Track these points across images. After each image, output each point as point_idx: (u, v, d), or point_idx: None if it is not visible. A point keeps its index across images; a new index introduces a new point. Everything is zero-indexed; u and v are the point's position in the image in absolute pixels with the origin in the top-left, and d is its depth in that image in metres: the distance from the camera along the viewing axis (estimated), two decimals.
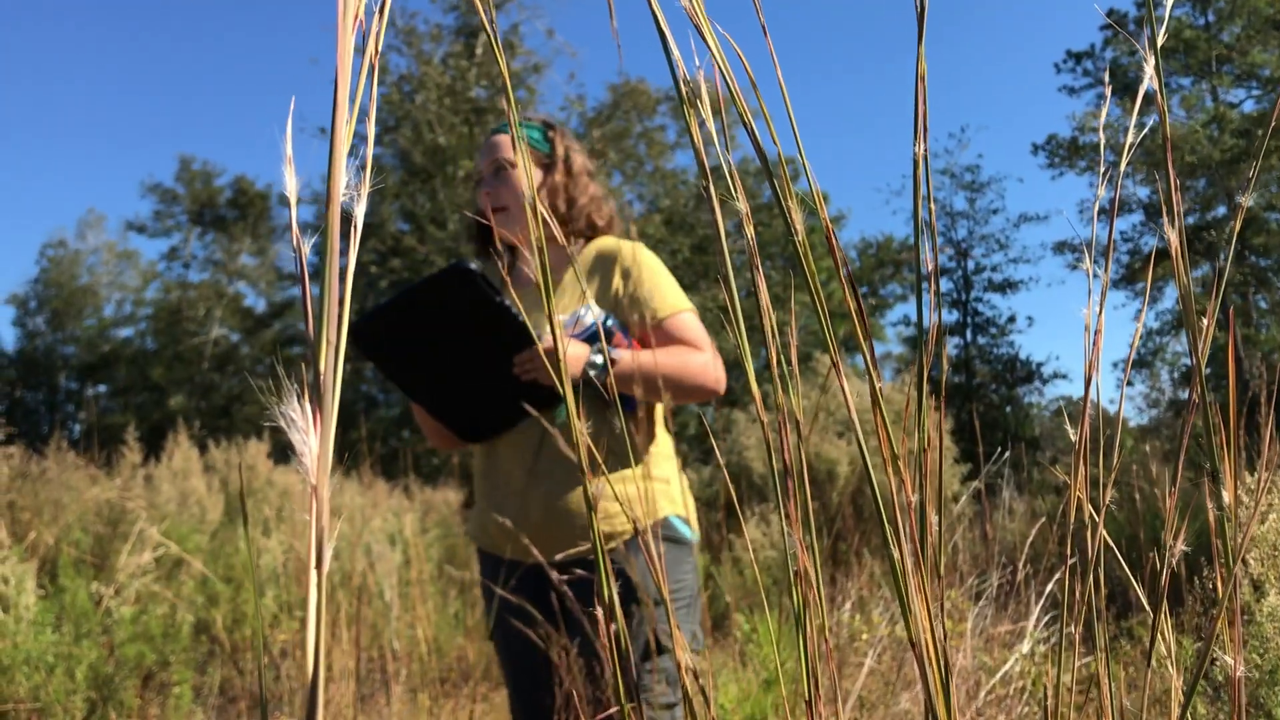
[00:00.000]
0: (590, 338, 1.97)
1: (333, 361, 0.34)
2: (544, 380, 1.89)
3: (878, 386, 0.54)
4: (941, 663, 0.49)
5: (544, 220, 2.35)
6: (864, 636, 3.41)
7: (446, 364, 2.00)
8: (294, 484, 6.74)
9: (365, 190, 0.36)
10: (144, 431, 6.95)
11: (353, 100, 0.37)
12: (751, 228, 0.67)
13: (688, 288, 25.23)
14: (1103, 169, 0.80)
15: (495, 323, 1.86)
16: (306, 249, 0.36)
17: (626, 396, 1.99)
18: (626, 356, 1.94)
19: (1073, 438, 0.79)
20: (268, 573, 4.88)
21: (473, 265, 1.84)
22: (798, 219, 0.52)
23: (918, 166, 0.66)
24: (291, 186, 0.35)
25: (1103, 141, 0.77)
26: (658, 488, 2.02)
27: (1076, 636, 0.70)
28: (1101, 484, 0.83)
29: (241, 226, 29.36)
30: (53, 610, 3.43)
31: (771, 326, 0.66)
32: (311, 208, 27.79)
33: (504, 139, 2.18)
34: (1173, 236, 0.58)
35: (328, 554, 0.32)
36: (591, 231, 2.19)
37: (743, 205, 0.66)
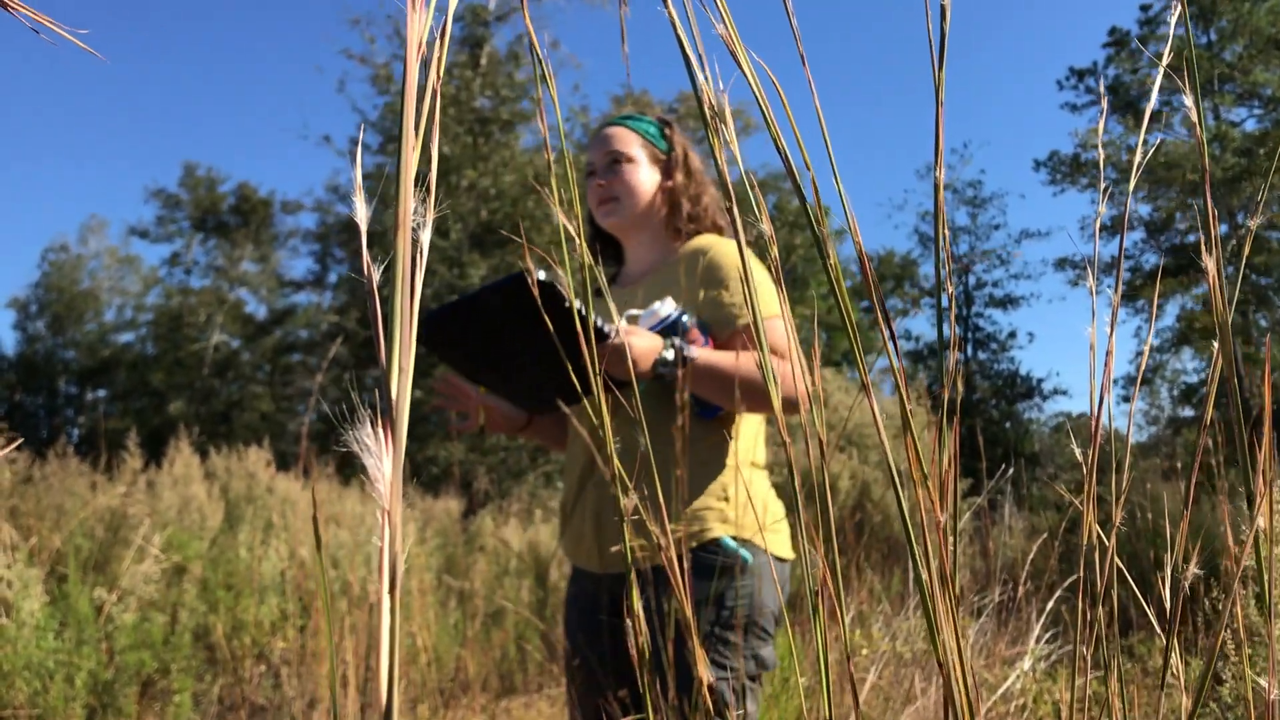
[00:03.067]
0: (664, 331, 1.87)
1: (405, 387, 0.35)
2: (616, 375, 1.79)
3: (908, 407, 0.55)
4: (967, 684, 0.50)
5: (625, 223, 2.25)
6: (864, 651, 3.41)
7: (509, 359, 1.94)
8: (294, 491, 6.74)
9: (430, 218, 0.37)
10: (143, 437, 6.95)
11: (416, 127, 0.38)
12: (775, 249, 0.68)
13: None
14: (1103, 186, 0.81)
15: (563, 325, 1.74)
16: (377, 274, 0.36)
17: (706, 402, 1.90)
18: (702, 354, 1.83)
19: (1079, 457, 0.80)
20: (268, 580, 4.88)
21: (541, 275, 1.71)
22: (831, 249, 0.53)
23: (938, 191, 0.67)
24: (362, 214, 0.36)
25: (1101, 158, 0.78)
26: (712, 505, 1.90)
27: (1087, 656, 0.71)
28: (1112, 502, 0.84)
29: (244, 233, 29.39)
30: (56, 616, 3.43)
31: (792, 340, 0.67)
32: (314, 215, 27.81)
33: (618, 131, 2.11)
34: (1210, 265, 0.59)
35: (400, 576, 0.33)
36: (717, 232, 2.12)
37: (766, 228, 0.67)
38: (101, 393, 29.31)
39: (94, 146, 45.68)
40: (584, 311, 1.76)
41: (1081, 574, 0.71)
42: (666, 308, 1.89)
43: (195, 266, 29.73)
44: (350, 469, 8.28)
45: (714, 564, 1.84)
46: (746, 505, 1.90)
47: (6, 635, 3.25)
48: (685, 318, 1.88)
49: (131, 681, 3.48)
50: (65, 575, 4.13)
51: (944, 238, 0.65)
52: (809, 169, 0.53)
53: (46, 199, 45.26)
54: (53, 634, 3.36)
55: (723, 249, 1.99)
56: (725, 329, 1.93)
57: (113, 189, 45.73)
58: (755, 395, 1.81)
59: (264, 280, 29.71)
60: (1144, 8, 23.00)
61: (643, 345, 1.78)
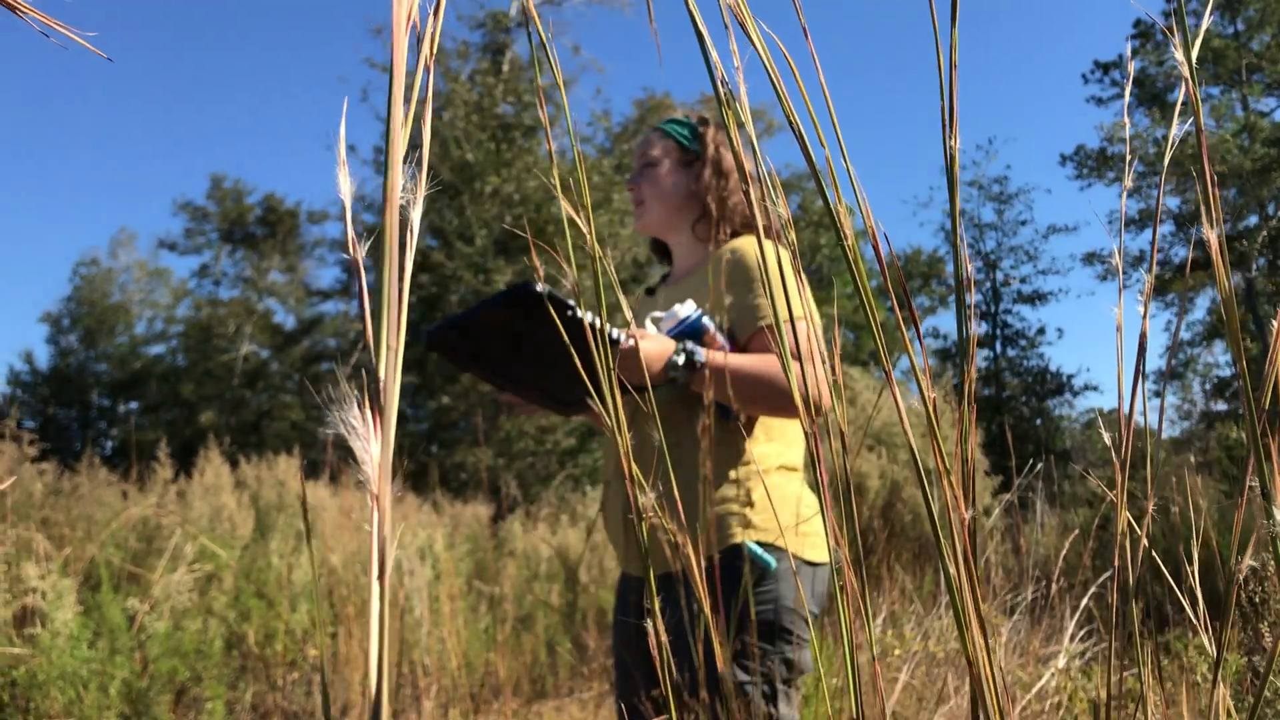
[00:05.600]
0: (683, 334, 1.87)
1: (393, 368, 0.34)
2: (631, 380, 1.77)
3: (930, 398, 0.54)
4: (996, 682, 0.48)
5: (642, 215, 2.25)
6: (896, 652, 3.38)
7: (530, 367, 1.95)
8: (325, 500, 6.77)
9: (420, 195, 0.36)
10: (174, 447, 7.00)
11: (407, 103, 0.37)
12: (794, 233, 0.67)
13: None
14: (1128, 181, 0.79)
15: (572, 332, 1.74)
16: (361, 252, 0.36)
17: (725, 404, 1.87)
18: (716, 357, 1.82)
19: (1111, 451, 0.78)
20: (300, 588, 4.90)
21: (538, 287, 1.73)
22: (853, 243, 0.52)
23: (952, 164, 0.66)
24: (346, 190, 0.36)
25: (1123, 149, 0.76)
26: (733, 509, 1.88)
27: (1134, 651, 0.69)
28: (1144, 498, 0.82)
29: (271, 244, 29.58)
30: (90, 626, 3.45)
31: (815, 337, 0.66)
32: (340, 225, 27.94)
33: (652, 136, 2.14)
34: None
35: (389, 563, 0.32)
36: (751, 233, 2.08)
37: (783, 210, 0.66)
38: (133, 405, 29.55)
39: (122, 160, 46.16)
40: (590, 318, 1.78)
41: (1114, 563, 0.69)
42: (686, 309, 1.89)
43: (224, 278, 29.96)
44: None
45: (737, 568, 1.82)
46: (781, 508, 1.88)
47: (41, 645, 3.27)
48: (706, 320, 1.88)
49: (165, 689, 3.50)
50: (98, 585, 4.17)
51: (960, 231, 0.64)
52: (829, 165, 0.52)
53: (77, 213, 45.77)
54: (86, 643, 3.38)
55: (751, 249, 1.97)
56: (747, 331, 1.92)
57: (141, 202, 46.21)
58: (765, 399, 1.81)
59: (292, 290, 29.89)
60: None
61: (653, 349, 1.79)
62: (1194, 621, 0.79)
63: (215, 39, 44.98)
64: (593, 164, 18.73)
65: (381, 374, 0.34)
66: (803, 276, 0.67)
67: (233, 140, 45.91)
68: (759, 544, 1.85)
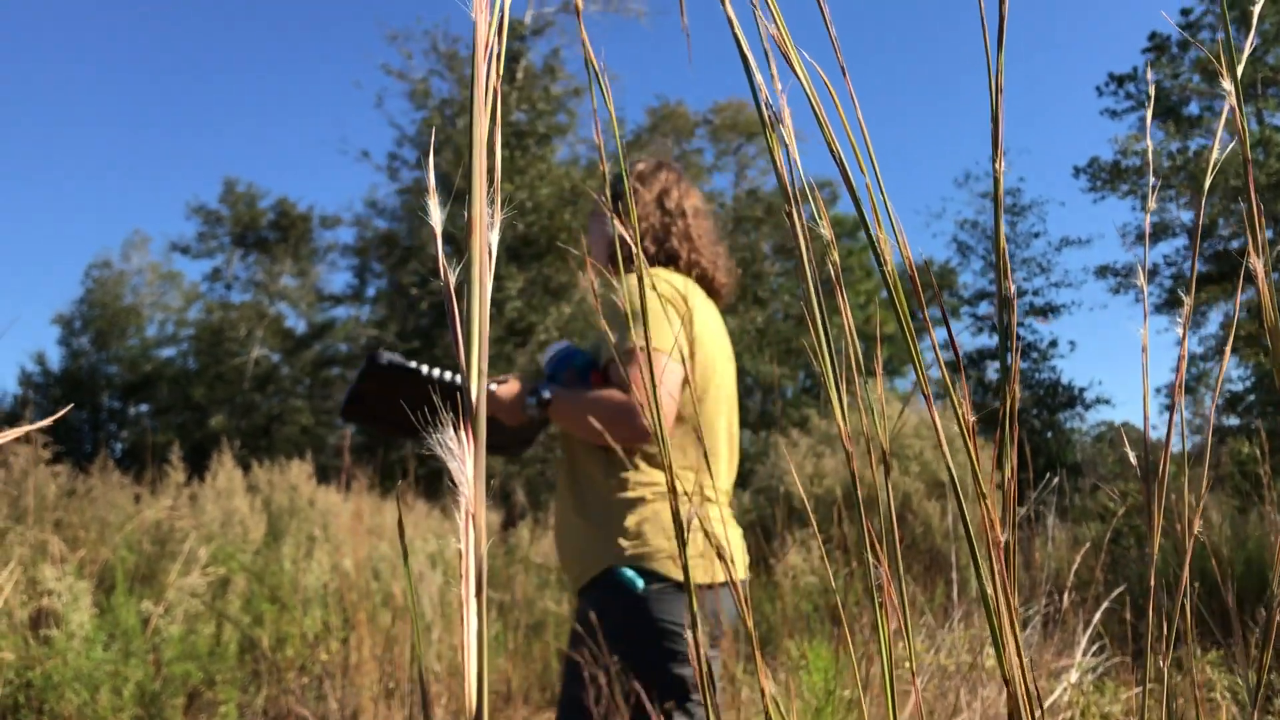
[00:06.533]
0: (556, 367, 2.07)
1: (484, 389, 0.35)
2: (505, 420, 2.01)
3: (967, 416, 0.55)
4: (1032, 699, 0.49)
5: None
6: (906, 665, 3.38)
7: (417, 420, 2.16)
8: (336, 504, 6.78)
9: (498, 219, 0.38)
10: (185, 451, 7.03)
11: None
12: (835, 252, 0.68)
13: (725, 311, 25.11)
14: (1152, 195, 0.80)
15: (436, 389, 2.06)
16: (453, 276, 0.37)
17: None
18: (560, 394, 1.97)
19: (1133, 463, 0.79)
20: (312, 592, 4.91)
21: (383, 358, 2.05)
22: (887, 251, 0.53)
23: (998, 186, 0.66)
24: (436, 216, 0.37)
25: (1143, 161, 0.77)
26: (600, 537, 1.97)
27: (1162, 667, 0.70)
28: (1191, 513, 0.83)
29: (283, 248, 29.66)
30: (104, 628, 3.47)
31: (852, 348, 0.67)
32: (352, 230, 28.06)
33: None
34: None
35: (484, 581, 0.33)
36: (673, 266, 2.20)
37: (827, 231, 0.67)
38: (144, 407, 29.62)
39: (136, 163, 46.35)
40: (438, 373, 2.04)
41: (1154, 584, 0.70)
42: (558, 345, 2.13)
43: (235, 282, 30.03)
44: (390, 482, 8.32)
45: (610, 591, 1.93)
46: (659, 532, 1.95)
47: (56, 646, 3.29)
48: (579, 352, 2.08)
49: (178, 692, 3.52)
50: (112, 587, 4.19)
51: (1002, 245, 0.65)
52: (864, 172, 0.53)
53: (90, 215, 45.95)
54: (101, 645, 3.40)
55: (628, 283, 2.07)
56: (602, 361, 2.06)
57: (154, 205, 46.31)
58: (594, 430, 1.88)
59: (303, 295, 29.96)
60: (1185, 11, 22.77)
61: (507, 392, 1.98)
62: (1212, 637, 0.79)
63: (230, 43, 45.18)
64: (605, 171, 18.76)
65: (473, 395, 0.35)
66: (841, 281, 0.68)
67: (246, 144, 46.09)
68: (633, 569, 1.92)
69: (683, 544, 0.58)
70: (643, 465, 2.01)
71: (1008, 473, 0.55)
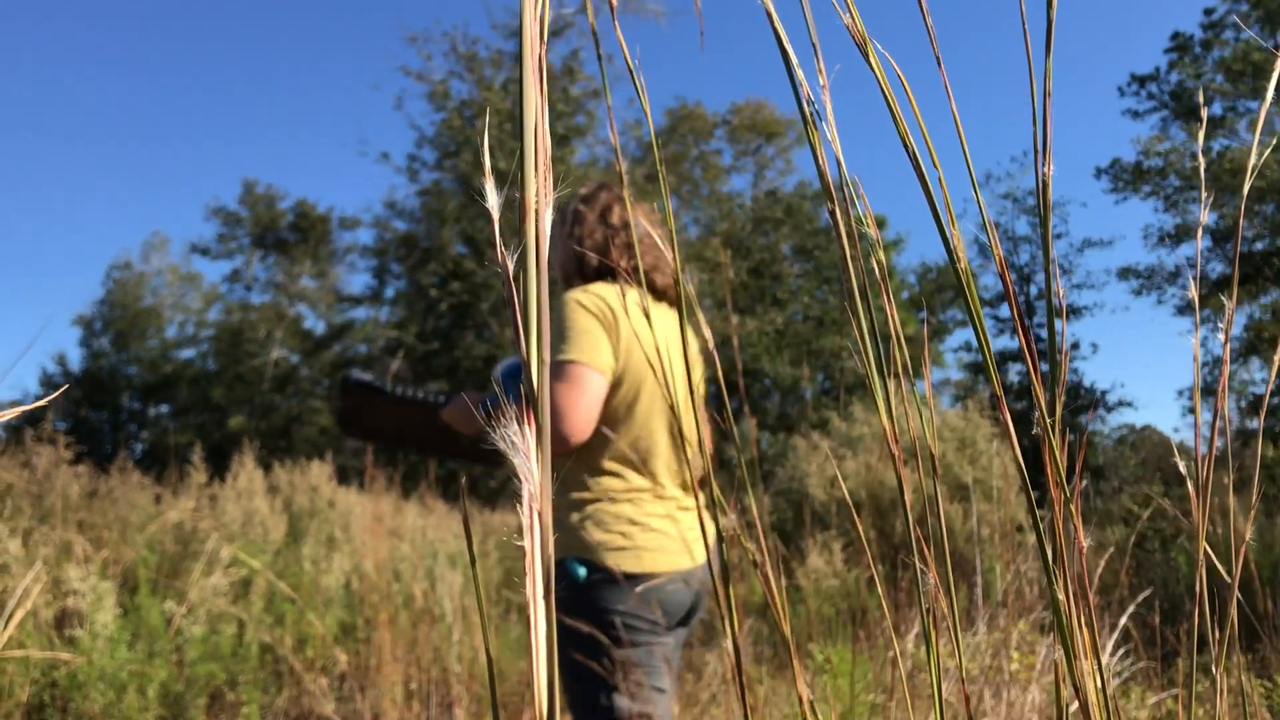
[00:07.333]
0: (506, 377, 2.28)
1: (545, 380, 0.34)
2: (464, 430, 2.23)
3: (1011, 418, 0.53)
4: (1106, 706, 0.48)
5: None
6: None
7: (411, 435, 2.37)
8: (355, 504, 6.80)
9: (550, 198, 0.36)
10: (205, 451, 7.05)
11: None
12: (880, 251, 0.66)
13: (743, 310, 25.12)
14: (1204, 217, 0.79)
15: (408, 405, 2.26)
16: (511, 264, 0.36)
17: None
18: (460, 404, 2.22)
19: (1182, 470, 0.77)
20: (331, 593, 4.92)
21: (351, 372, 2.26)
22: (961, 255, 0.52)
23: (1046, 191, 0.65)
24: (493, 200, 0.36)
25: (1202, 169, 0.76)
26: (557, 535, 2.18)
27: (1216, 674, 0.68)
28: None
29: (302, 249, 29.76)
30: (128, 628, 3.48)
31: (900, 350, 0.65)
32: (371, 231, 28.14)
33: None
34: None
35: (552, 579, 0.32)
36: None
37: (872, 230, 0.66)
38: (164, 408, 29.78)
39: (156, 164, 46.59)
40: (404, 390, 2.24)
41: (1201, 593, 0.68)
42: (510, 359, 2.33)
43: (255, 283, 30.15)
44: (410, 482, 8.32)
45: (561, 581, 2.16)
46: (597, 527, 2.17)
47: (82, 646, 3.30)
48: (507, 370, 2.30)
49: (201, 693, 3.52)
50: (135, 587, 4.20)
51: (1052, 256, 0.63)
52: (936, 166, 0.52)
53: (110, 217, 46.21)
54: (125, 645, 3.41)
55: (569, 296, 2.30)
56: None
57: (174, 206, 46.56)
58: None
59: (322, 296, 30.05)
60: (1207, 11, 22.59)
61: (461, 404, 2.22)
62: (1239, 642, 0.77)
63: (249, 44, 45.39)
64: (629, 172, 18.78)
65: (535, 387, 0.34)
66: (887, 277, 0.67)
67: (265, 146, 46.26)
68: (576, 559, 2.14)
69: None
70: (597, 472, 2.24)
71: (1076, 481, 0.54)
